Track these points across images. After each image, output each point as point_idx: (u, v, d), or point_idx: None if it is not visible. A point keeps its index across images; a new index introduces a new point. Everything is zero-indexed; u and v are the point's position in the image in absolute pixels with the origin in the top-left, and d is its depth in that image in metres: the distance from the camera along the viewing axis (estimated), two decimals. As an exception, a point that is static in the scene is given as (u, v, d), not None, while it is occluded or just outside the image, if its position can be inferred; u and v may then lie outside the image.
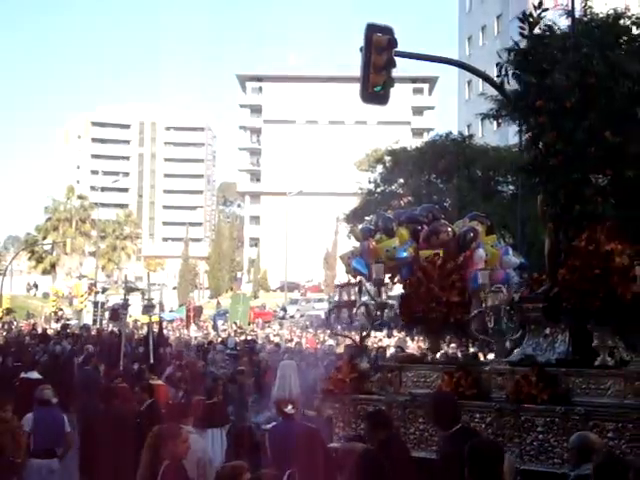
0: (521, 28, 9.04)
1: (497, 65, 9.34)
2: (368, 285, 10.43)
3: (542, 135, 8.86)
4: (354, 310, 10.26)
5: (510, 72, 9.21)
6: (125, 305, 20.46)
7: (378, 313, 10.17)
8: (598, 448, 6.20)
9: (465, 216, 11.19)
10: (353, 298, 10.32)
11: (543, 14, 9.05)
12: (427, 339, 10.37)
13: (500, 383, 8.29)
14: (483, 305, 9.23)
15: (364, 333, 10.47)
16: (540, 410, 7.63)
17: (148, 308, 22.40)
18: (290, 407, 8.96)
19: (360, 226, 12.96)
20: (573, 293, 7.87)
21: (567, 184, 8.58)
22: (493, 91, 18.80)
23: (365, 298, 10.32)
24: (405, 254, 10.27)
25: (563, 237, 8.72)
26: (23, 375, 15.62)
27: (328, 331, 28.36)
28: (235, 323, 45.32)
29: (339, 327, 12.77)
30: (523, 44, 9.18)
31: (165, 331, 32.89)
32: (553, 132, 8.69)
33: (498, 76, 9.45)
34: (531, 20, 8.99)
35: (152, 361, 18.74)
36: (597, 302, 7.58)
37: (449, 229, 10.30)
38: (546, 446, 7.58)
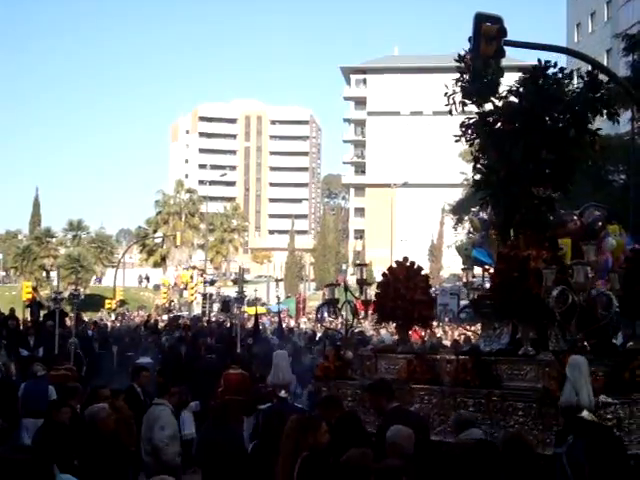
0: (457, 67, 10.37)
1: (445, 94, 10.51)
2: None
3: (483, 156, 10.18)
4: (339, 306, 11.61)
5: (457, 100, 10.41)
6: (239, 298, 21.01)
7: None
8: (469, 421, 7.86)
9: (577, 206, 11.17)
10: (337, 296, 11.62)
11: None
12: (397, 332, 11.65)
13: (449, 370, 9.44)
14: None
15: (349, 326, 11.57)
16: (470, 392, 8.89)
17: (251, 300, 22.88)
18: (283, 392, 10.40)
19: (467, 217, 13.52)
20: (498, 293, 8.97)
21: (509, 197, 9.70)
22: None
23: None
24: None
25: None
26: (137, 361, 16.67)
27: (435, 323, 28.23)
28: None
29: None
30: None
31: (268, 322, 33.31)
32: (493, 152, 9.86)
33: (446, 105, 10.58)
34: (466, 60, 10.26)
35: (238, 350, 19.39)
36: (515, 301, 8.58)
37: (575, 218, 10.55)
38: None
